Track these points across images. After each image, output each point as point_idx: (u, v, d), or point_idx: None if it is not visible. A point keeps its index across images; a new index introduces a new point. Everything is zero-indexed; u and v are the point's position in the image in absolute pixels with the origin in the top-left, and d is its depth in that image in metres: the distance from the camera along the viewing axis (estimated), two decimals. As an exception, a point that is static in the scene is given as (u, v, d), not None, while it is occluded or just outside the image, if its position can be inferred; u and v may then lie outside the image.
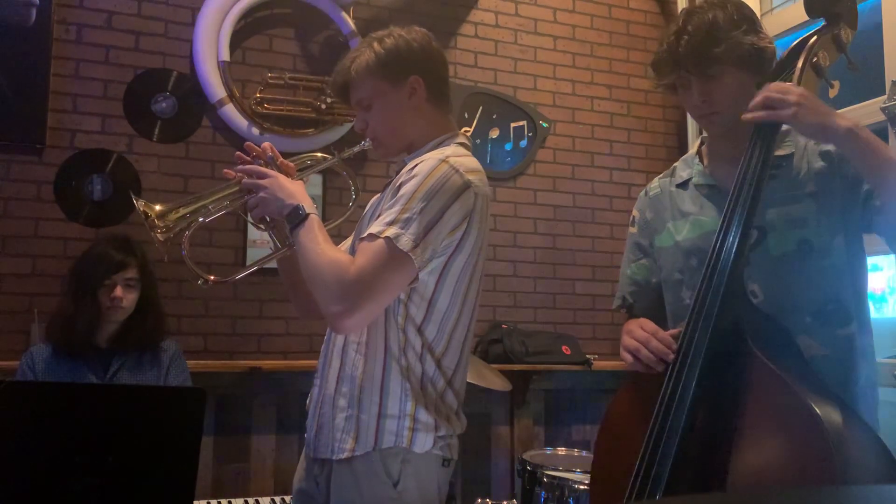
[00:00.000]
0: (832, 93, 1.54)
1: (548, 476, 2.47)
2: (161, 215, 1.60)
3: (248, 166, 1.66)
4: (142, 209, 1.59)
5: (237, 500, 2.87)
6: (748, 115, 1.45)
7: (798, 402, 1.26)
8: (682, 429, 1.35)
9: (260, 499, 2.89)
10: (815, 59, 1.53)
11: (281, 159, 1.70)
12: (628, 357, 1.50)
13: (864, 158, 1.41)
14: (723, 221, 1.46)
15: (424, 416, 1.56)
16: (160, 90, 3.16)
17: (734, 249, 1.42)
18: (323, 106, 3.25)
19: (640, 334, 1.48)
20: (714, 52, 1.52)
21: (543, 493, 2.46)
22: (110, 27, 3.12)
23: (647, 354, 1.45)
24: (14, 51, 2.94)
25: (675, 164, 1.77)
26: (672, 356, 1.42)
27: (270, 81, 3.27)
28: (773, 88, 1.43)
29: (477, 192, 1.59)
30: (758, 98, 1.44)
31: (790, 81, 1.50)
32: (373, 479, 1.55)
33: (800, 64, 1.52)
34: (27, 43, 2.96)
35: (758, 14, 3.52)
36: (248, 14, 3.29)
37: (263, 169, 1.65)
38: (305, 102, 3.29)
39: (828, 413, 1.25)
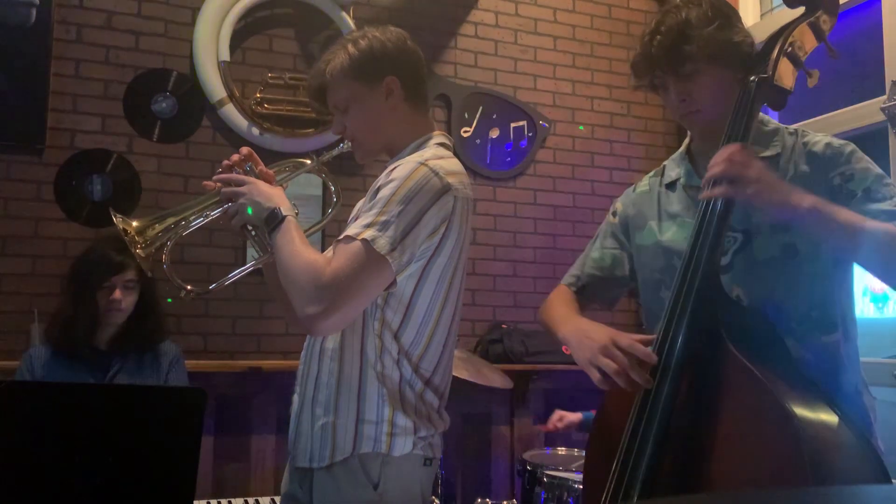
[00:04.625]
0: (811, 82, 1.51)
1: (548, 476, 2.47)
2: (140, 231, 1.60)
3: (225, 175, 1.65)
4: (120, 226, 1.59)
5: (237, 500, 2.87)
6: (704, 195, 1.41)
7: (771, 401, 1.24)
8: (655, 431, 1.34)
9: (260, 499, 2.89)
10: (789, 49, 1.50)
11: (261, 167, 1.69)
12: (596, 375, 1.42)
13: (828, 232, 1.38)
14: (698, 220, 1.44)
15: (403, 421, 1.55)
16: (160, 90, 3.16)
17: (708, 247, 1.40)
18: (315, 105, 3.24)
19: (621, 358, 1.40)
20: (686, 51, 1.49)
21: (543, 493, 2.46)
22: (110, 27, 3.12)
23: (627, 381, 1.39)
24: (14, 51, 2.94)
25: (665, 163, 1.74)
26: (651, 384, 1.37)
27: (270, 81, 3.27)
28: (733, 159, 1.37)
29: (456, 195, 1.57)
30: (716, 169, 1.39)
31: (765, 74, 1.47)
32: (353, 482, 1.54)
33: (773, 54, 1.49)
34: (27, 43, 2.96)
35: (758, 13, 3.55)
36: (248, 14, 3.29)
37: (242, 176, 1.64)
38: (305, 102, 3.28)
39: (803, 411, 1.23)
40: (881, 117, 2.79)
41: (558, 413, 2.86)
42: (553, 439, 3.47)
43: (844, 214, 1.37)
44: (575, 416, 2.82)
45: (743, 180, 1.36)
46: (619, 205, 1.80)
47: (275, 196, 1.60)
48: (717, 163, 1.40)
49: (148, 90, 3.15)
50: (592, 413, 2.73)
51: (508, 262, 3.63)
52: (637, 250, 1.71)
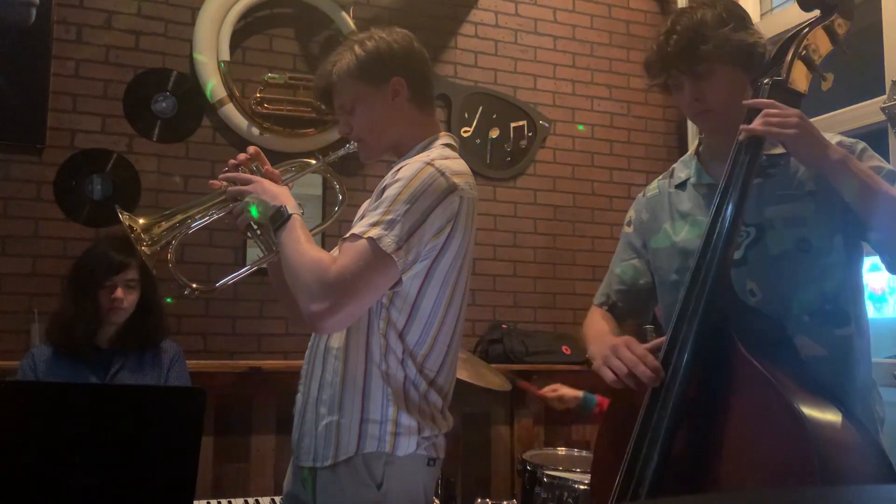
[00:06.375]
0: (825, 85, 1.53)
1: (548, 476, 2.47)
2: (146, 229, 1.60)
3: (231, 174, 1.66)
4: (126, 223, 1.59)
5: (237, 500, 2.87)
6: (745, 128, 1.44)
7: (780, 401, 1.25)
8: (664, 430, 1.35)
9: (260, 499, 2.89)
10: (803, 52, 1.51)
11: (267, 166, 1.70)
12: (609, 375, 1.44)
13: (855, 189, 1.41)
14: (710, 220, 1.46)
15: (407, 420, 1.55)
16: (160, 90, 3.16)
17: (720, 247, 1.42)
18: (322, 106, 3.25)
19: (629, 357, 1.42)
20: (702, 50, 1.52)
21: (543, 493, 2.46)
22: (110, 27, 3.12)
23: (633, 383, 1.41)
24: (14, 51, 2.94)
25: (674, 166, 1.77)
26: (658, 383, 1.38)
27: (270, 81, 3.27)
28: (772, 108, 1.42)
29: (462, 195, 1.58)
30: (757, 120, 1.43)
31: (780, 76, 1.49)
32: (357, 482, 1.54)
33: (788, 57, 1.51)
34: (27, 43, 2.96)
35: (758, 14, 3.56)
36: (248, 14, 3.29)
37: (247, 175, 1.65)
38: (305, 102, 3.29)
39: (812, 411, 1.23)
40: (881, 117, 2.79)
41: (556, 385, 2.78)
42: (553, 439, 3.48)
43: (870, 175, 1.42)
44: (572, 393, 2.74)
45: (784, 124, 1.40)
46: (632, 213, 1.82)
47: (280, 195, 1.61)
48: (760, 106, 1.45)
49: (148, 90, 3.15)
50: (594, 396, 2.69)
51: (508, 262, 3.63)
52: (653, 254, 1.72)
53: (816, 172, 1.50)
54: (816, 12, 1.58)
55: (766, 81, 1.50)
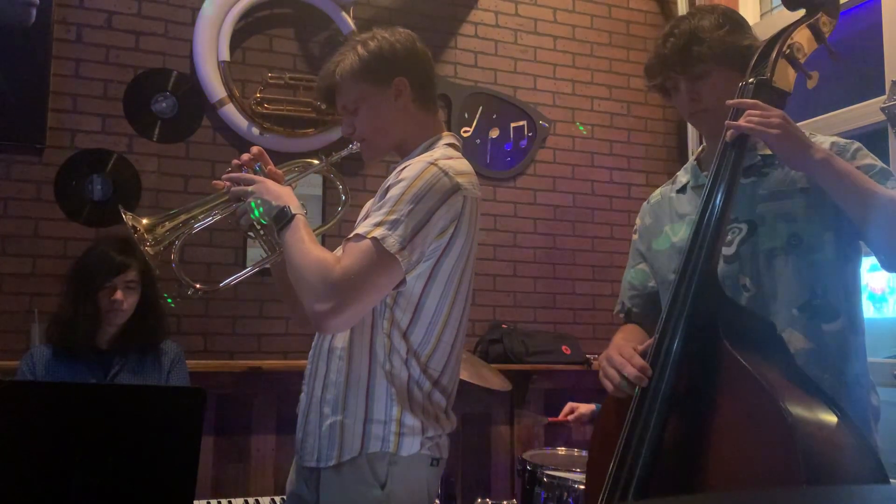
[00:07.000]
0: (810, 84, 1.54)
1: (548, 476, 2.47)
2: (149, 229, 1.61)
3: (235, 174, 1.66)
4: (130, 223, 1.59)
5: (237, 500, 2.87)
6: (730, 123, 1.45)
7: (766, 399, 1.25)
8: (652, 429, 1.36)
9: (260, 499, 2.89)
10: (788, 51, 1.52)
11: (270, 167, 1.70)
12: (608, 385, 1.48)
13: (839, 187, 1.42)
14: (698, 217, 1.47)
15: (411, 420, 1.56)
16: (160, 90, 3.16)
17: (707, 243, 1.42)
18: (323, 106, 3.25)
19: (618, 361, 1.46)
20: (696, 51, 1.56)
21: (543, 493, 2.46)
22: (110, 27, 3.12)
23: (629, 389, 1.43)
24: (14, 51, 2.94)
25: (678, 173, 1.80)
26: (646, 381, 1.40)
27: (270, 81, 3.27)
28: (755, 108, 1.44)
29: (466, 195, 1.58)
30: (741, 119, 1.45)
31: (764, 76, 1.51)
32: (360, 482, 1.55)
33: (772, 56, 1.52)
34: (27, 43, 2.96)
35: (758, 14, 3.56)
36: (248, 14, 3.29)
37: (251, 175, 1.65)
38: (305, 102, 3.29)
39: (798, 409, 1.23)
40: (881, 117, 2.79)
41: (570, 405, 2.82)
42: (553, 439, 3.48)
43: (856, 173, 1.43)
44: (587, 408, 2.78)
45: (766, 124, 1.42)
46: (638, 220, 1.85)
47: (284, 195, 1.61)
48: (744, 106, 1.47)
49: (148, 90, 3.15)
50: None
51: (508, 262, 3.63)
52: (655, 256, 1.74)
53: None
54: (803, 11, 1.60)
55: (750, 81, 1.52)
